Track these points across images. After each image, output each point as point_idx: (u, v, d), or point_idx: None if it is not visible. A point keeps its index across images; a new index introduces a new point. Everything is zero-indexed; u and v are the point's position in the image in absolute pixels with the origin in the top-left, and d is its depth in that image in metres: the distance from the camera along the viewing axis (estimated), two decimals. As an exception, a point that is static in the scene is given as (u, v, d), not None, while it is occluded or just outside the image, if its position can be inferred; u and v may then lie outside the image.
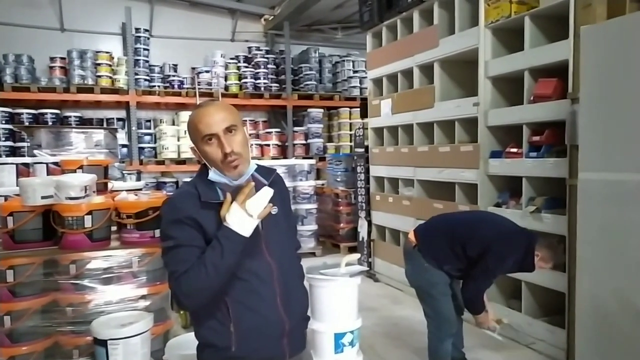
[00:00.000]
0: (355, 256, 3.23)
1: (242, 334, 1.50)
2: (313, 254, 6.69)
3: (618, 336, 2.59)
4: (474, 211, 3.93)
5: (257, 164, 1.63)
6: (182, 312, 4.05)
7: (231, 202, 1.46)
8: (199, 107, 1.55)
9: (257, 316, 1.52)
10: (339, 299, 2.86)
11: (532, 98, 3.59)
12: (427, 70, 4.79)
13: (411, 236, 3.00)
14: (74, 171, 3.24)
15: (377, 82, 5.72)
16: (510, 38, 3.91)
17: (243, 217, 1.44)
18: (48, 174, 3.42)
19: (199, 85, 8.40)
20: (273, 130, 8.98)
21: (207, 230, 1.46)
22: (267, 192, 1.48)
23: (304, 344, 1.67)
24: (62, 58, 7.80)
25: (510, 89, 3.96)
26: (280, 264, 1.56)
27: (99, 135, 5.64)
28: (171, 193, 7.51)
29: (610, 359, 2.63)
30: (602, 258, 2.67)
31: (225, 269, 1.43)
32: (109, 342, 2.43)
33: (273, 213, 1.54)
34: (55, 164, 3.50)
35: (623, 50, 2.55)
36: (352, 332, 2.87)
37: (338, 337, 2.81)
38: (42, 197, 2.80)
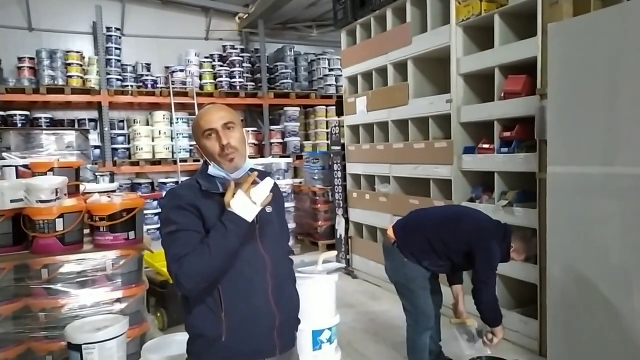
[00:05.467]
0: (333, 253, 3.26)
1: (233, 323, 1.55)
2: (291, 252, 6.69)
3: (586, 325, 2.67)
4: (449, 205, 3.98)
5: (252, 166, 1.70)
6: (158, 314, 4.02)
7: (234, 190, 1.55)
8: (201, 109, 1.69)
9: (249, 305, 1.57)
10: (317, 296, 2.88)
11: (502, 94, 3.66)
12: (400, 67, 4.83)
13: (390, 233, 3.03)
14: (45, 174, 3.18)
15: (352, 80, 5.74)
16: (480, 35, 3.97)
17: (247, 203, 1.52)
18: (17, 177, 3.34)
19: (173, 84, 8.29)
20: (249, 129, 8.93)
21: (206, 217, 1.54)
22: (268, 182, 1.58)
23: (293, 342, 1.74)
24: (30, 58, 7.61)
25: (481, 85, 4.03)
26: (273, 260, 1.63)
27: (70, 136, 5.53)
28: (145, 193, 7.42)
29: (579, 348, 2.71)
30: (570, 249, 2.74)
31: (227, 251, 1.50)
32: (83, 346, 2.40)
33: (268, 211, 1.64)
34: (25, 166, 3.43)
35: (588, 47, 2.62)
36: (330, 328, 2.90)
37: (316, 334, 2.84)
38: (12, 201, 2.75)
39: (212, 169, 1.60)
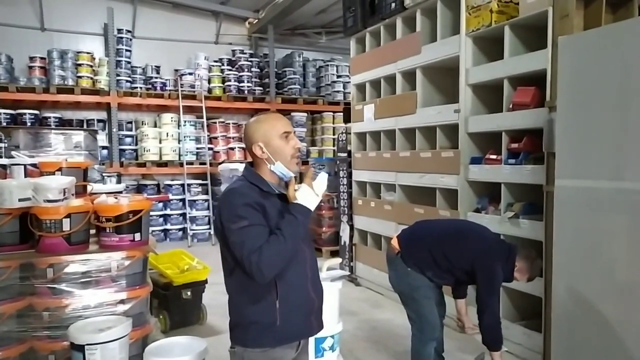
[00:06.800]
0: (337, 260, 3.25)
1: (286, 309, 1.75)
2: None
3: (591, 340, 2.64)
4: (455, 220, 3.94)
5: None
6: (161, 316, 4.02)
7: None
8: (263, 114, 1.88)
9: (298, 293, 1.78)
10: (320, 303, 2.87)
11: (511, 106, 3.65)
12: (409, 76, 4.83)
13: (394, 242, 3.01)
14: (53, 173, 3.20)
15: (360, 87, 5.75)
16: (490, 47, 3.97)
17: (311, 195, 1.74)
18: (26, 176, 3.36)
19: (181, 87, 8.34)
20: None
21: (269, 215, 1.70)
22: (325, 176, 1.80)
23: (323, 324, 1.94)
24: (42, 58, 7.70)
25: (490, 96, 4.03)
26: (309, 252, 1.86)
27: (78, 136, 5.56)
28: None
29: (585, 363, 2.69)
30: (576, 263, 2.72)
31: (297, 239, 1.70)
32: (86, 347, 2.40)
33: None
34: (34, 165, 3.45)
35: (599, 60, 2.61)
36: (332, 336, 2.88)
37: (318, 341, 2.82)
38: (20, 200, 2.76)
39: (278, 167, 1.76)
